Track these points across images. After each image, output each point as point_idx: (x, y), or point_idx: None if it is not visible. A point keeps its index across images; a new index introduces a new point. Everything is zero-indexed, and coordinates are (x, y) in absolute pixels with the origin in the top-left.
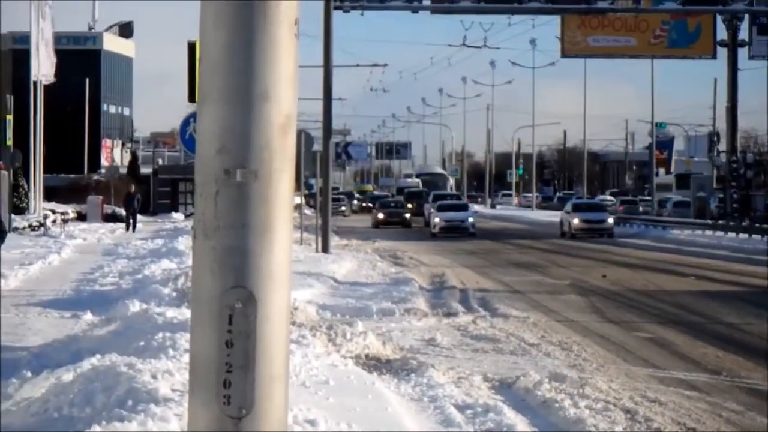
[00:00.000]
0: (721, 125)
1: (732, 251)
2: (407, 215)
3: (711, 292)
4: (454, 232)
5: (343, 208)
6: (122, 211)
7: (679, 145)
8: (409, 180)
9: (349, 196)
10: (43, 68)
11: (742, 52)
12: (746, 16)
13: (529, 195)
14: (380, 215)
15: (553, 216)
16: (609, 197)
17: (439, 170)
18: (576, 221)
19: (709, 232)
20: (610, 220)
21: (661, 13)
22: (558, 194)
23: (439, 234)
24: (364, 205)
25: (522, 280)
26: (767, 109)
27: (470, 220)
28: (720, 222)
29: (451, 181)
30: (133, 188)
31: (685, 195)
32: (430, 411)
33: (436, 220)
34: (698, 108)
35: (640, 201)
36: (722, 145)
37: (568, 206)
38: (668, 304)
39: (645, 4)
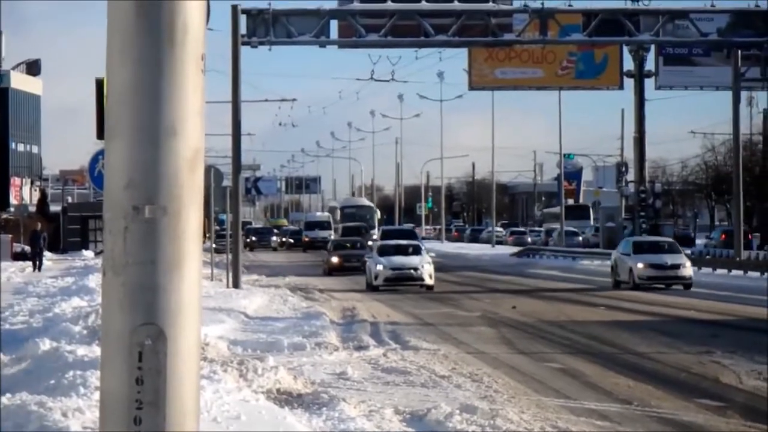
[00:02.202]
0: (629, 155)
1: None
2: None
3: (621, 321)
4: (405, 283)
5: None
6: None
7: (587, 175)
8: (318, 214)
9: (268, 231)
10: None
11: (649, 83)
12: (652, 47)
13: (429, 228)
14: (334, 259)
15: (462, 248)
16: (499, 228)
17: (366, 202)
18: (641, 266)
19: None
20: (688, 266)
21: (567, 44)
22: (452, 225)
23: (383, 286)
24: (283, 240)
25: (433, 312)
26: (674, 138)
27: (426, 266)
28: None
29: (379, 214)
30: (39, 226)
31: (573, 225)
32: None
33: (379, 267)
34: (606, 139)
35: (529, 232)
36: (631, 175)
37: (625, 246)
38: (579, 334)
39: (551, 35)
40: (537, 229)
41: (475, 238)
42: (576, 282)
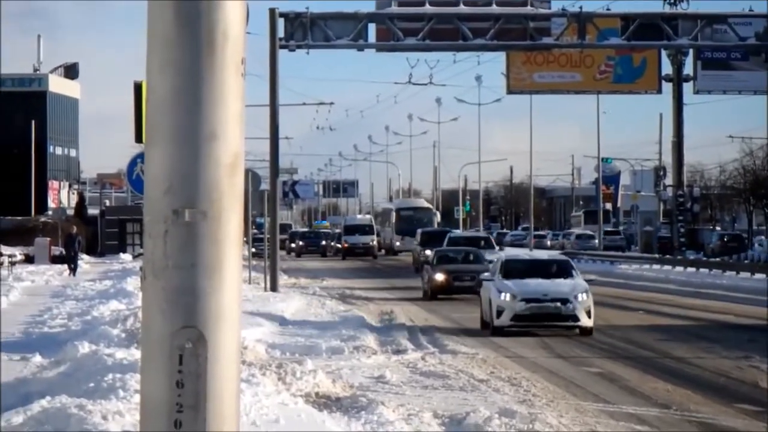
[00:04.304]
0: (668, 159)
1: (680, 285)
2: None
3: (660, 326)
4: (547, 323)
5: None
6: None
7: (625, 179)
8: (359, 216)
9: (317, 236)
10: None
11: (687, 87)
12: (690, 51)
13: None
14: (439, 276)
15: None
16: (520, 232)
17: (424, 203)
18: None
19: (656, 266)
20: None
21: (606, 48)
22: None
23: (512, 327)
24: (332, 244)
25: (470, 316)
26: (712, 143)
27: (582, 297)
28: (668, 256)
29: (438, 217)
30: (74, 230)
31: (592, 229)
32: None
33: (504, 297)
34: (644, 143)
35: (553, 235)
36: (669, 180)
37: None
38: (617, 338)
39: (590, 39)
40: (557, 232)
41: (499, 242)
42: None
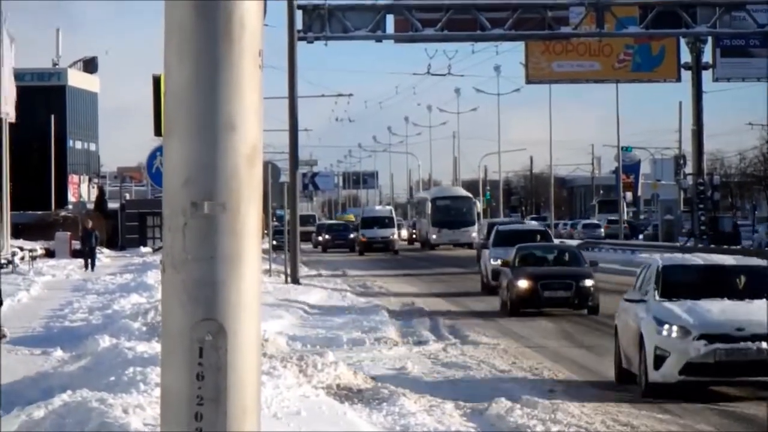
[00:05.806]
0: (687, 148)
1: None
2: (591, 284)
3: None
4: (747, 377)
5: None
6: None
7: (645, 168)
8: (378, 208)
9: (345, 228)
10: (7, 106)
11: (707, 75)
12: (709, 39)
13: None
14: (523, 283)
15: None
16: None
17: (463, 192)
18: None
19: (678, 255)
20: None
21: (624, 37)
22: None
23: (682, 384)
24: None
25: (491, 306)
26: (732, 130)
27: None
28: (688, 244)
29: (479, 207)
30: (90, 224)
31: (604, 218)
32: None
33: (670, 333)
34: (664, 131)
35: (562, 225)
36: (689, 168)
37: None
38: None
39: (608, 28)
40: (566, 222)
41: None
42: None
